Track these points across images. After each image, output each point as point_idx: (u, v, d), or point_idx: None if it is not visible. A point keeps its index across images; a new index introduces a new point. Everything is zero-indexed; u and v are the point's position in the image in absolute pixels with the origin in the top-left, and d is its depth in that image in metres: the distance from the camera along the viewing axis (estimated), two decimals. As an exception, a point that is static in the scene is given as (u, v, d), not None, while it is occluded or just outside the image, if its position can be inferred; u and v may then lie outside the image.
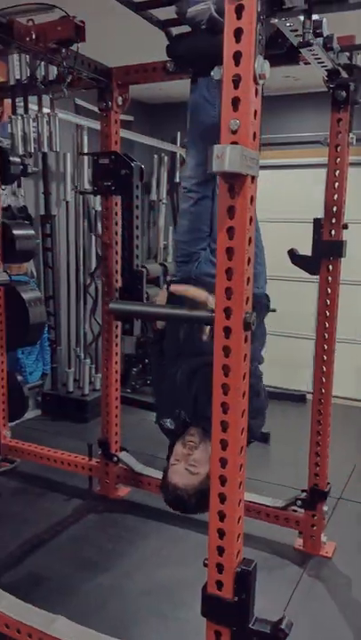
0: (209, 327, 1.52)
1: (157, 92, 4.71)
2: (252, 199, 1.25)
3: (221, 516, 1.34)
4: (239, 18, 1.15)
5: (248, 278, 1.28)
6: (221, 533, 1.34)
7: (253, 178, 1.24)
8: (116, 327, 2.85)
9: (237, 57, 1.16)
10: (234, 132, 1.19)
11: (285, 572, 2.29)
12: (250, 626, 1.35)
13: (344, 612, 2.06)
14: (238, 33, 1.15)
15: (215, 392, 1.31)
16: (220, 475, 1.33)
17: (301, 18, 1.40)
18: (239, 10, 1.15)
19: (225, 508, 1.33)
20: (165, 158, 5.15)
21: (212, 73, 1.25)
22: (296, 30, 1.51)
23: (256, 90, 1.19)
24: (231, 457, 1.31)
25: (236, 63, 1.17)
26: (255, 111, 1.20)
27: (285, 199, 4.79)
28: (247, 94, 1.17)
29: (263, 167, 4.87)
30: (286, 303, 4.29)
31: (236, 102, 1.18)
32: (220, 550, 1.35)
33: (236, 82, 1.17)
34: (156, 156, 5.14)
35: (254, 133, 1.21)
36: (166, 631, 1.91)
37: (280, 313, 4.36)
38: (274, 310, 4.66)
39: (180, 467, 1.75)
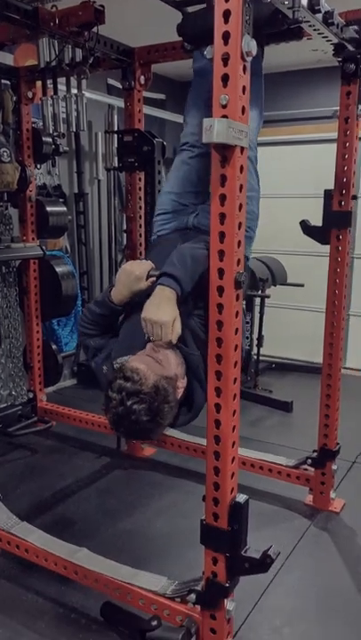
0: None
1: (188, 71, 4.78)
2: (242, 168, 1.36)
3: (217, 456, 1.49)
4: (227, 0, 1.26)
5: (239, 241, 1.40)
6: (217, 470, 1.49)
7: (243, 149, 1.36)
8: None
9: (226, 37, 1.27)
10: (224, 107, 1.30)
11: (294, 523, 2.44)
12: (242, 553, 1.51)
13: (346, 560, 2.19)
14: (227, 14, 1.27)
15: (211, 345, 1.45)
16: (215, 419, 1.47)
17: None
18: (227, -7, 1.26)
19: (219, 448, 1.48)
20: (196, 135, 5.22)
21: (204, 52, 1.36)
22: (292, 7, 1.59)
23: (244, 67, 1.31)
24: (225, 404, 1.45)
25: (225, 42, 1.28)
26: (244, 87, 1.32)
27: (305, 174, 4.80)
28: (236, 71, 1.28)
29: (288, 143, 4.89)
30: (314, 278, 4.35)
31: (225, 79, 1.29)
32: (216, 486, 1.50)
33: (226, 60, 1.28)
34: (187, 134, 5.22)
35: (243, 107, 1.33)
36: (181, 565, 2.07)
37: (306, 288, 4.45)
38: (302, 285, 4.73)
39: (143, 355, 1.58)
